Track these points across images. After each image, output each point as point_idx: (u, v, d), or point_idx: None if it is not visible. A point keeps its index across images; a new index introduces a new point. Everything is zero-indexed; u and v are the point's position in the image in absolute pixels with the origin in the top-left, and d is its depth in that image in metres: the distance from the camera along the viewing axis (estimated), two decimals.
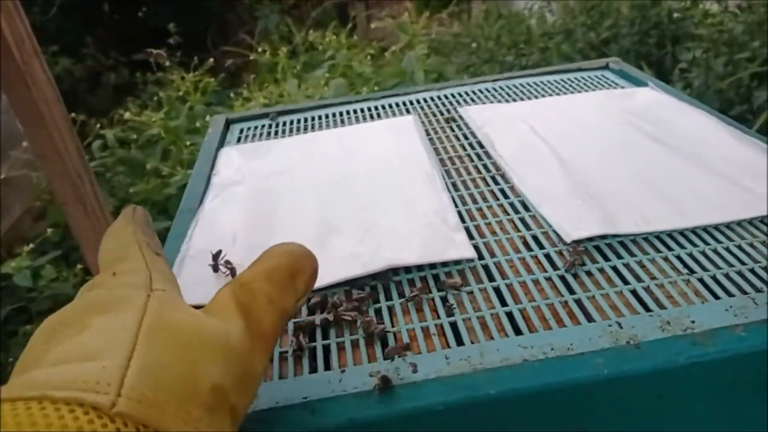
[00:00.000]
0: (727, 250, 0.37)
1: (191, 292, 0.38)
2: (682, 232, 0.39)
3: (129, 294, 0.25)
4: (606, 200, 0.43)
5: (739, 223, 0.40)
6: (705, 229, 0.39)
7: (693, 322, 0.32)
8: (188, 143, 1.75)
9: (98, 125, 1.95)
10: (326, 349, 0.34)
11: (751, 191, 0.42)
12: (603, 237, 0.39)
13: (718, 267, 0.36)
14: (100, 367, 0.20)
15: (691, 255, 0.37)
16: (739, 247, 0.37)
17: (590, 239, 0.39)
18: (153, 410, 0.20)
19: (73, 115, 1.92)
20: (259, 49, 2.22)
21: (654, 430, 0.31)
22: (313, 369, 0.32)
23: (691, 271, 0.36)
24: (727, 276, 0.35)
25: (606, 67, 0.71)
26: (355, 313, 0.35)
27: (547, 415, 0.30)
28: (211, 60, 2.14)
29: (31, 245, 1.39)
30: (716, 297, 0.33)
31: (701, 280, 0.35)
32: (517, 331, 0.33)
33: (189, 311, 0.25)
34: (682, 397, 0.30)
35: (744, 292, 0.34)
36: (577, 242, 0.39)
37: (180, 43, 2.78)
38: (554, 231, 0.41)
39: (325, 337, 0.35)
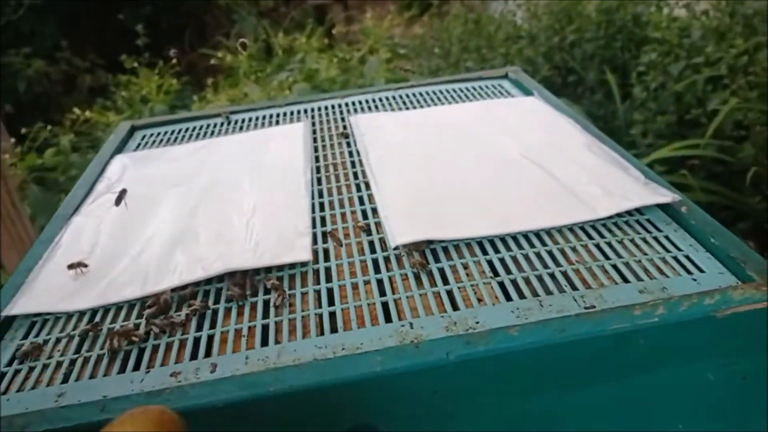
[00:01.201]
0: (537, 254, 0.39)
1: (44, 297, 0.40)
2: (503, 238, 0.41)
3: None
4: (445, 207, 0.45)
5: (559, 229, 0.42)
6: (525, 234, 0.41)
7: (477, 322, 0.34)
8: None
9: (50, 129, 1.96)
10: (141, 352, 0.36)
11: (581, 199, 0.44)
12: (430, 242, 0.41)
13: (522, 271, 0.38)
14: None
15: (502, 260, 0.39)
16: (549, 252, 0.40)
17: (430, 243, 0.41)
18: None
19: (35, 126, 1.93)
20: (219, 54, 2.23)
21: (435, 424, 0.33)
22: (122, 370, 0.34)
23: (495, 274, 0.38)
24: (526, 280, 0.37)
25: (505, 77, 0.73)
26: (182, 320, 0.37)
27: (327, 410, 0.32)
28: (174, 60, 2.15)
29: None
30: (509, 299, 0.36)
31: (501, 284, 0.37)
32: (321, 332, 0.35)
33: None
34: (457, 393, 0.32)
35: (536, 295, 0.36)
36: (407, 246, 0.41)
37: (151, 44, 2.78)
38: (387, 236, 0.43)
39: (146, 340, 0.37)
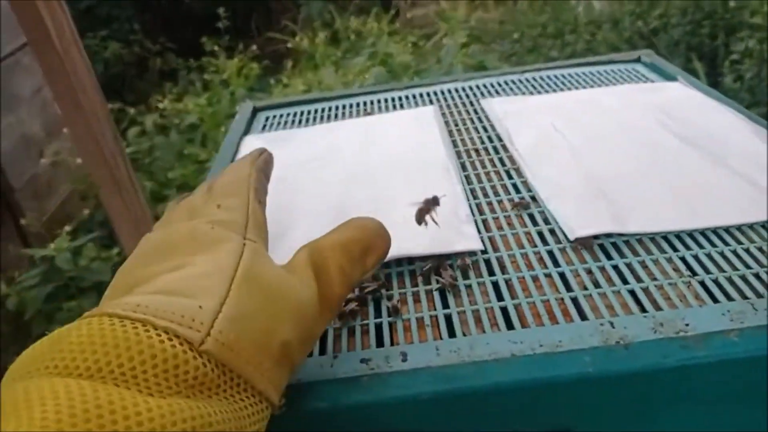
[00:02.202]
0: (734, 253, 0.37)
1: None
2: (690, 234, 0.39)
3: (228, 237, 0.28)
4: (617, 198, 0.42)
5: (751, 226, 0.39)
6: (715, 230, 0.39)
7: (687, 324, 0.31)
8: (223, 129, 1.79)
9: (134, 111, 2.01)
10: (323, 335, 0.35)
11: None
12: (608, 235, 0.39)
13: (722, 270, 0.35)
14: (197, 306, 0.23)
15: (696, 257, 0.37)
16: (747, 251, 0.37)
17: (596, 237, 0.39)
18: (232, 354, 0.23)
19: (115, 104, 1.99)
20: (297, 37, 2.24)
21: (640, 431, 0.31)
22: (309, 354, 0.34)
23: (694, 273, 0.35)
24: (729, 280, 0.34)
25: (638, 60, 0.69)
26: (356, 304, 0.36)
27: (531, 411, 0.30)
28: (255, 47, 2.17)
29: (67, 227, 1.46)
30: (715, 301, 0.33)
31: (702, 283, 0.34)
32: (510, 326, 0.33)
33: (275, 267, 0.28)
34: (670, 400, 0.30)
35: (745, 297, 0.33)
36: (583, 239, 0.39)
37: (228, 27, 2.82)
38: (560, 228, 0.41)
39: None
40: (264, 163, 0.36)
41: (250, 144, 0.61)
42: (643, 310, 0.33)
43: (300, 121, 0.67)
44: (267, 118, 0.69)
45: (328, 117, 0.67)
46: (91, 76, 0.82)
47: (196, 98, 2.14)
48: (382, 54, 2.19)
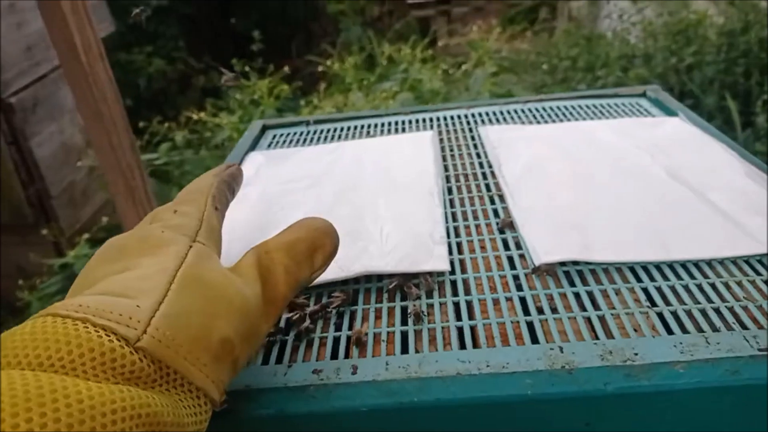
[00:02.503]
0: (699, 287, 0.36)
1: None
2: (658, 266, 0.39)
3: (175, 240, 0.29)
4: (591, 227, 0.42)
5: (721, 261, 0.38)
6: (684, 264, 0.38)
7: (636, 354, 0.32)
8: None
9: (166, 126, 2.08)
10: (282, 345, 0.36)
11: (743, 229, 0.41)
12: (576, 263, 0.39)
13: (683, 303, 0.35)
14: (135, 306, 0.25)
15: (659, 289, 0.37)
16: (713, 285, 0.36)
17: (563, 264, 0.39)
18: (168, 350, 0.24)
19: (153, 120, 2.06)
20: (328, 62, 2.29)
21: None
22: (265, 361, 0.35)
23: (653, 305, 0.35)
24: (688, 313, 0.34)
25: (643, 95, 0.70)
26: (309, 322, 0.38)
27: (467, 427, 0.31)
28: (286, 68, 2.23)
29: (86, 235, 1.50)
30: (670, 332, 0.33)
31: (660, 315, 0.34)
32: (462, 346, 0.34)
33: (219, 269, 0.29)
34: (611, 427, 0.30)
35: (701, 330, 0.33)
36: (548, 265, 0.39)
37: (262, 50, 2.91)
38: (529, 253, 0.41)
39: (287, 333, 0.37)
40: (230, 176, 0.38)
41: (254, 159, 0.63)
42: (596, 337, 0.33)
43: (305, 141, 0.69)
44: (274, 136, 0.71)
45: (333, 138, 0.69)
46: (113, 89, 0.86)
47: (230, 116, 2.20)
48: (411, 80, 2.22)
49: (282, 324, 0.38)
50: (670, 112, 0.63)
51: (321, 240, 0.32)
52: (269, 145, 0.69)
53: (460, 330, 0.35)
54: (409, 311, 0.37)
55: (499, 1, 4.29)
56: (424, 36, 3.33)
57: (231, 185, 0.38)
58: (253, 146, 0.68)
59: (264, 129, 0.73)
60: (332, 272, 0.41)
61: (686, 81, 2.17)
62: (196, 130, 2.27)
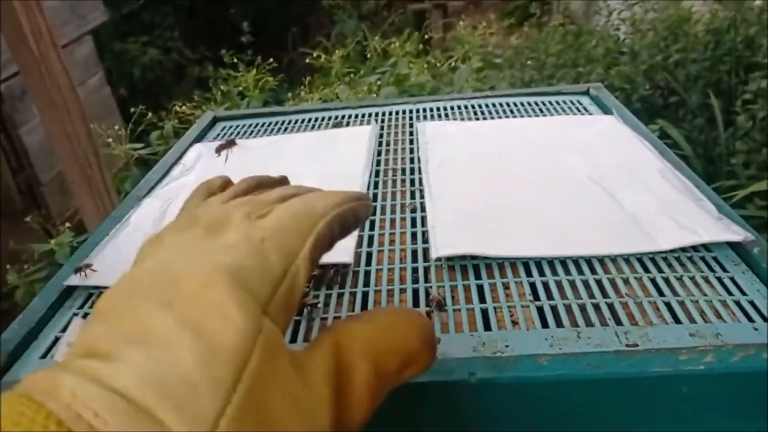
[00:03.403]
0: (585, 283, 0.37)
1: (106, 274, 0.43)
2: (551, 262, 0.40)
3: (241, 301, 0.19)
4: (497, 222, 0.43)
5: (614, 259, 0.39)
6: (576, 260, 0.40)
7: (507, 346, 0.33)
8: None
9: (157, 116, 2.08)
10: None
11: (641, 227, 0.42)
12: (475, 258, 0.40)
13: (564, 298, 0.36)
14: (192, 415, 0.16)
15: (545, 284, 0.38)
16: (598, 282, 0.37)
17: (463, 258, 0.40)
18: None
19: (139, 108, 2.07)
20: (315, 53, 2.29)
21: None
22: None
23: (536, 298, 0.36)
24: (568, 308, 0.35)
25: (586, 93, 0.71)
26: None
27: None
28: (271, 60, 2.23)
29: (68, 223, 1.51)
30: (545, 326, 0.34)
31: (540, 309, 0.35)
32: None
33: (288, 379, 0.19)
34: (478, 417, 0.31)
35: (575, 325, 0.34)
36: (448, 258, 0.40)
37: (256, 42, 2.91)
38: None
39: None
40: (352, 211, 0.27)
41: (196, 150, 0.64)
42: (476, 329, 0.34)
43: (253, 133, 0.70)
44: (224, 128, 0.72)
45: (282, 130, 0.70)
46: (68, 78, 0.87)
47: (216, 107, 2.21)
48: (396, 74, 2.22)
49: None
50: (607, 110, 0.64)
51: (418, 354, 0.24)
52: (217, 136, 0.70)
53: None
54: (306, 307, 0.38)
55: None
56: (418, 29, 3.32)
57: (348, 223, 0.27)
58: (200, 137, 0.69)
59: (215, 121, 0.74)
60: None
61: (670, 78, 2.17)
62: (185, 119, 2.28)
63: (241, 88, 2.15)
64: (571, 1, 3.76)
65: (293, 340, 0.35)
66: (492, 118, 0.66)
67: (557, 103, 0.69)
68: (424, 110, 0.70)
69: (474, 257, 0.40)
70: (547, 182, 0.49)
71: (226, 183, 0.33)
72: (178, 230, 0.24)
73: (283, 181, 0.34)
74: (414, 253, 0.42)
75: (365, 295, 0.39)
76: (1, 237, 2.01)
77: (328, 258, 0.41)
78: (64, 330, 0.39)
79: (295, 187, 0.31)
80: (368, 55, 2.56)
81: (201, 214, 0.25)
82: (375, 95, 2.02)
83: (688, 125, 2.04)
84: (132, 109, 2.14)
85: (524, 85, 2.42)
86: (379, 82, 2.13)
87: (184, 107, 2.10)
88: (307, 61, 2.37)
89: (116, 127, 1.72)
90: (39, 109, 0.84)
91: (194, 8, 4.28)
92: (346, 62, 2.53)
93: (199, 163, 0.61)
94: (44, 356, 0.36)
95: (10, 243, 1.77)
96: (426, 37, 3.01)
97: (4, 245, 1.94)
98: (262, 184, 0.32)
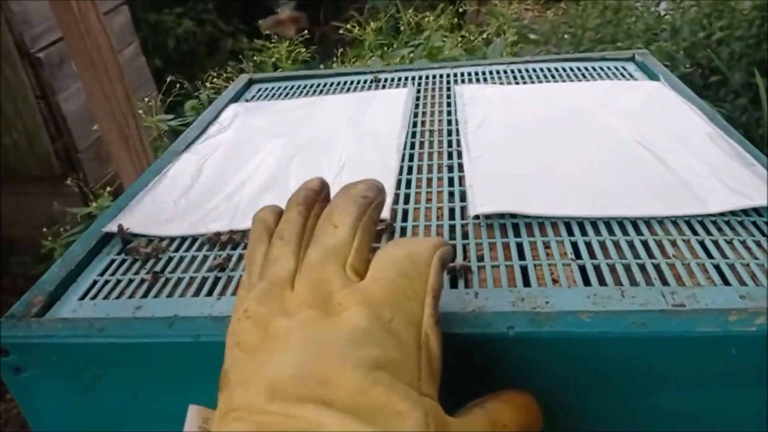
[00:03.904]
0: (629, 243, 0.36)
1: (142, 220, 0.43)
2: (594, 222, 0.38)
3: (405, 396, 0.19)
4: (537, 182, 0.42)
5: (661, 221, 0.38)
6: (621, 221, 0.38)
7: (547, 302, 0.32)
8: None
9: (192, 86, 2.09)
10: (215, 280, 0.37)
11: (692, 190, 0.40)
12: (514, 216, 0.39)
13: (608, 257, 0.35)
14: None
15: (588, 243, 0.37)
16: (644, 243, 0.36)
17: (502, 216, 0.40)
18: None
19: (172, 77, 2.08)
20: (348, 25, 2.27)
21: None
22: (196, 294, 0.36)
23: (578, 257, 0.35)
24: (611, 267, 0.34)
25: (631, 59, 0.68)
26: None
27: None
28: (306, 32, 2.22)
29: (109, 188, 1.53)
30: (587, 284, 0.33)
31: (582, 267, 0.34)
32: None
33: None
34: (517, 371, 0.31)
35: (619, 284, 0.33)
36: (486, 217, 0.39)
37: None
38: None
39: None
40: (449, 252, 0.27)
41: (232, 110, 0.64)
42: (515, 285, 0.34)
43: (288, 95, 0.70)
44: (259, 90, 0.72)
45: (316, 93, 0.69)
46: (107, 38, 0.88)
47: None
48: (429, 47, 2.19)
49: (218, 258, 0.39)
50: (653, 76, 0.62)
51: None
52: (252, 98, 0.70)
53: None
54: None
55: None
56: (451, 3, 3.26)
57: (447, 265, 0.27)
58: (236, 98, 0.69)
59: (250, 83, 0.74)
60: None
61: (713, 56, 2.09)
62: (218, 91, 2.29)
63: (273, 59, 2.15)
64: None
65: None
66: (535, 81, 0.64)
67: (601, 69, 0.66)
68: (462, 74, 0.68)
69: (513, 216, 0.39)
70: (591, 144, 0.48)
71: (278, 213, 0.30)
72: (282, 312, 0.22)
73: (324, 187, 0.31)
74: (451, 211, 0.42)
75: None
76: (40, 200, 2.07)
77: None
78: (102, 274, 0.39)
79: (345, 197, 0.28)
80: (401, 29, 2.53)
81: (291, 282, 0.24)
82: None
83: (729, 105, 1.97)
84: (168, 78, 2.16)
85: None
86: (411, 55, 2.10)
87: (217, 78, 2.11)
88: (340, 32, 2.35)
89: (146, 99, 1.74)
90: (78, 69, 0.85)
91: None
92: (378, 35, 2.51)
93: (235, 122, 0.60)
94: (82, 298, 0.37)
95: (55, 205, 1.82)
96: (459, 11, 2.96)
97: (45, 209, 1.99)
98: (308, 203, 0.29)
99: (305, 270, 0.24)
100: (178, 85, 2.10)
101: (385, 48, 2.43)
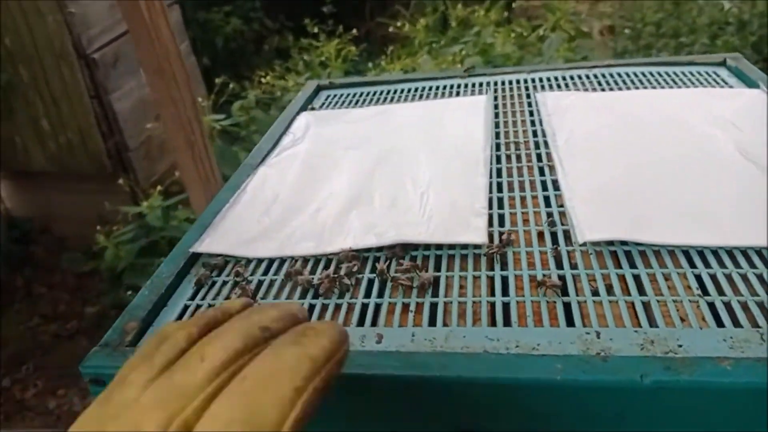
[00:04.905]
0: (759, 277, 0.33)
1: (228, 240, 0.42)
2: (715, 251, 0.35)
3: None
4: (644, 205, 0.39)
5: None
6: (744, 251, 0.35)
7: (680, 346, 0.29)
8: None
9: (238, 86, 2.11)
10: (310, 308, 0.36)
11: None
12: (625, 243, 0.37)
13: (738, 293, 0.32)
14: None
15: (713, 276, 0.34)
16: None
17: (610, 243, 0.37)
18: None
19: (222, 78, 2.09)
20: (399, 22, 2.25)
21: None
22: None
23: (705, 293, 0.32)
24: (743, 305, 0.31)
25: (722, 64, 0.64)
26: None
27: (492, 406, 0.29)
28: (355, 30, 2.21)
29: (159, 187, 1.56)
30: (720, 325, 0.30)
31: (711, 305, 0.32)
32: (492, 323, 0.32)
33: None
34: (644, 422, 0.28)
35: (755, 326, 0.30)
36: (594, 243, 0.37)
37: (335, 12, 2.88)
38: (574, 229, 0.39)
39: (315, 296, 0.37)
40: (329, 376, 0.22)
41: (303, 119, 0.63)
42: (638, 324, 0.31)
43: (358, 102, 0.68)
44: (327, 97, 0.71)
45: (388, 100, 0.67)
46: (175, 44, 0.88)
47: (297, 77, 2.21)
48: (482, 44, 2.15)
49: (312, 286, 0.37)
50: (751, 83, 0.58)
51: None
52: (322, 106, 0.68)
53: (492, 306, 0.34)
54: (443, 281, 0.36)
55: None
56: None
57: (328, 387, 0.22)
58: (305, 106, 0.68)
59: (318, 89, 0.72)
60: (367, 239, 0.40)
61: None
62: (266, 90, 2.30)
63: (323, 58, 2.14)
64: None
65: (432, 322, 0.33)
66: (619, 89, 0.60)
67: (691, 74, 0.62)
68: (540, 80, 0.65)
69: (624, 242, 0.37)
70: (693, 159, 0.44)
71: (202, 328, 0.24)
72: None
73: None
74: (553, 235, 0.39)
75: (504, 280, 0.36)
76: (92, 198, 2.12)
77: (461, 237, 0.38)
78: (192, 298, 0.38)
79: (237, 323, 0.23)
80: (451, 24, 2.49)
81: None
82: (459, 65, 1.96)
83: None
84: (216, 80, 2.18)
85: (617, 56, 2.29)
86: (463, 52, 2.06)
87: (267, 77, 2.12)
88: (390, 30, 2.33)
89: (200, 99, 1.75)
90: (147, 74, 0.86)
91: None
92: (427, 32, 2.48)
93: (308, 132, 0.59)
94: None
95: (106, 204, 1.86)
96: (510, 4, 2.90)
97: (96, 207, 2.04)
98: (209, 327, 0.24)
99: (128, 413, 0.20)
100: (227, 84, 2.12)
101: (434, 45, 2.40)
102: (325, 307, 0.36)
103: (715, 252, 0.35)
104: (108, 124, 2.15)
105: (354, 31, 2.20)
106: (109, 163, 2.16)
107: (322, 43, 2.25)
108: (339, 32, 2.19)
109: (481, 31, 2.42)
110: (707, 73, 0.62)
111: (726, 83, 0.59)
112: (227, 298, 0.38)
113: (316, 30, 2.29)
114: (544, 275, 0.35)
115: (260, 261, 0.41)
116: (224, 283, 0.39)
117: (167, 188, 1.87)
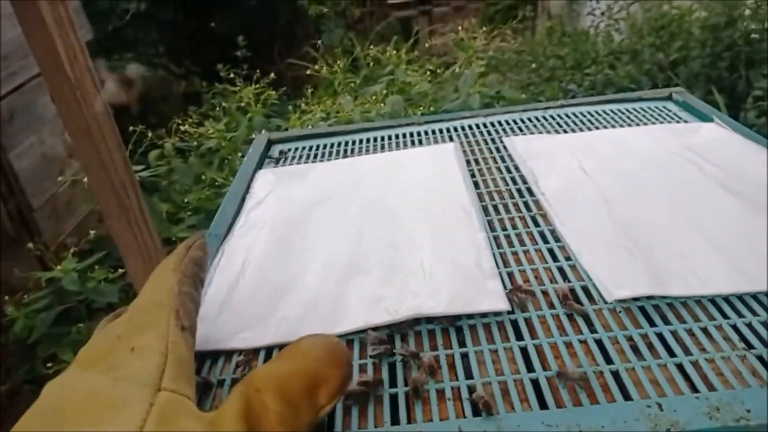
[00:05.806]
0: None
1: (218, 336, 0.37)
2: (741, 297, 0.35)
3: (131, 398, 0.23)
4: (656, 253, 0.39)
5: None
6: None
7: (748, 411, 0.28)
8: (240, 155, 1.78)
9: (155, 134, 2.01)
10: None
11: None
12: (650, 297, 0.35)
13: None
14: None
15: (750, 326, 0.33)
16: None
17: (635, 299, 0.35)
18: None
19: (133, 127, 1.98)
20: (316, 65, 2.24)
21: None
22: None
23: (749, 346, 0.31)
24: None
25: (669, 98, 0.66)
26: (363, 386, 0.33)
27: None
28: (272, 74, 2.17)
29: (74, 248, 1.43)
30: None
31: (760, 358, 0.31)
32: (542, 404, 0.30)
33: (196, 426, 0.23)
34: None
35: None
36: (620, 301, 0.35)
37: (247, 56, 2.84)
38: (594, 286, 0.37)
39: None
40: (194, 265, 0.31)
41: (264, 178, 0.58)
42: (695, 389, 0.29)
43: (315, 155, 0.64)
44: (281, 151, 0.66)
45: (345, 152, 0.64)
46: (103, 103, 0.80)
47: (216, 123, 2.14)
48: (400, 83, 2.18)
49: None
50: (701, 116, 0.60)
51: (324, 373, 0.26)
52: (277, 162, 0.64)
53: (536, 383, 0.31)
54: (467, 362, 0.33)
55: (479, 0, 4.28)
56: (406, 37, 3.28)
57: (198, 276, 0.31)
58: (261, 163, 0.64)
59: (270, 144, 0.68)
60: (379, 315, 0.36)
61: (672, 76, 2.16)
62: (184, 138, 2.20)
63: (242, 104, 2.08)
64: (550, 1, 3.77)
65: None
66: (580, 129, 0.61)
67: (641, 110, 0.64)
68: (500, 123, 0.65)
69: (649, 297, 0.35)
70: (684, 199, 0.45)
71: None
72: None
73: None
74: (573, 292, 0.37)
75: (538, 349, 0.33)
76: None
77: (480, 306, 0.35)
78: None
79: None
80: (367, 63, 2.51)
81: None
82: (382, 105, 1.96)
83: None
84: (131, 128, 2.06)
85: (523, 88, 2.40)
86: (384, 92, 2.07)
87: (184, 125, 2.03)
88: (307, 72, 2.31)
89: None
90: (72, 136, 0.77)
91: (177, 23, 4.19)
92: (341, 73, 2.48)
93: (271, 195, 0.55)
94: None
95: (14, 271, 1.68)
96: (415, 43, 2.97)
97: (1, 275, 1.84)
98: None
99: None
100: (139, 133, 2.01)
101: (350, 85, 2.41)
102: (347, 409, 0.31)
103: (740, 297, 0.35)
104: (8, 185, 1.96)
105: (272, 75, 2.16)
106: (11, 226, 1.97)
107: (239, 88, 2.19)
108: (256, 76, 2.14)
109: (395, 70, 2.46)
110: (657, 108, 0.64)
111: (678, 117, 0.61)
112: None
113: (231, 75, 2.23)
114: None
115: (257, 351, 0.36)
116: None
117: (82, 248, 1.73)
